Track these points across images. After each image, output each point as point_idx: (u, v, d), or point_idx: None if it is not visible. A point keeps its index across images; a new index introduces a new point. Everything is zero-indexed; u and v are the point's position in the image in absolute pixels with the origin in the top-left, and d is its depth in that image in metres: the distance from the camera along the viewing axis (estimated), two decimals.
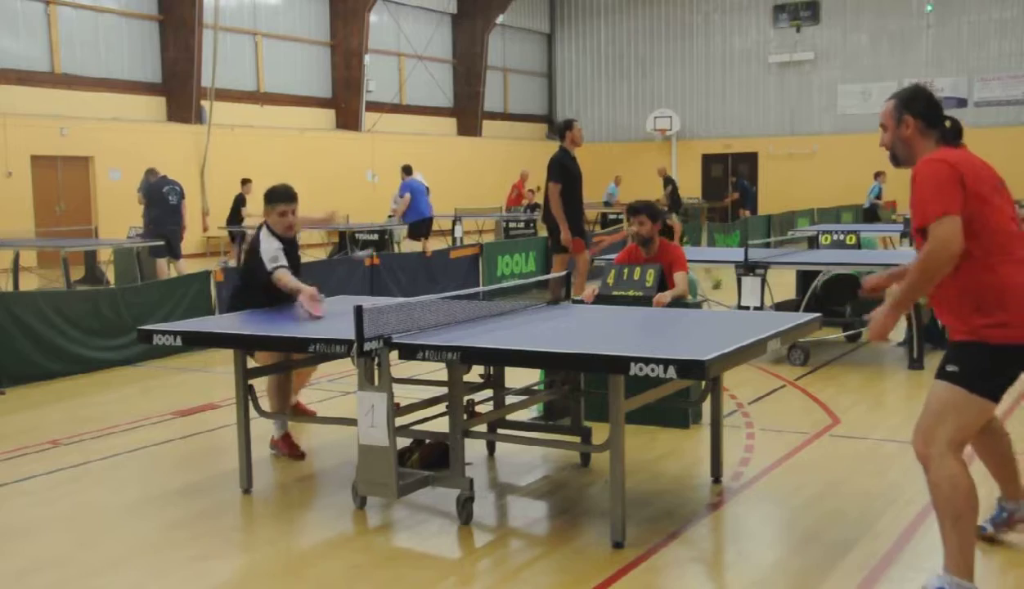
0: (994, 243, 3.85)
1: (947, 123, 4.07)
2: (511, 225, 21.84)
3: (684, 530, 4.83)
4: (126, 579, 4.48)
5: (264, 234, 6.28)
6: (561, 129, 10.54)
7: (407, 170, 19.03)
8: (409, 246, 18.60)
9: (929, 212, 3.78)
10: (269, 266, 6.13)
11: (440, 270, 13.61)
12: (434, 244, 17.79)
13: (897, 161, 4.14)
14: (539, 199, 23.98)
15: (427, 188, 18.93)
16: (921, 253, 3.82)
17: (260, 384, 5.76)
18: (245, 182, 19.15)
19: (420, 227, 18.36)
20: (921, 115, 4.03)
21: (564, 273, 6.71)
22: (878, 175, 21.65)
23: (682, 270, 7.35)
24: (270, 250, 6.19)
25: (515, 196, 25.83)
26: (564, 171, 10.21)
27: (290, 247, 6.35)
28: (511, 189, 26.23)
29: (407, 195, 18.29)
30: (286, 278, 6.14)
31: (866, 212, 21.73)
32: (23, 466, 6.22)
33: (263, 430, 6.28)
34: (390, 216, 21.40)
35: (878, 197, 21.65)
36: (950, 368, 3.88)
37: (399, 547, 4.79)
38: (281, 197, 6.34)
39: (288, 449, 6.19)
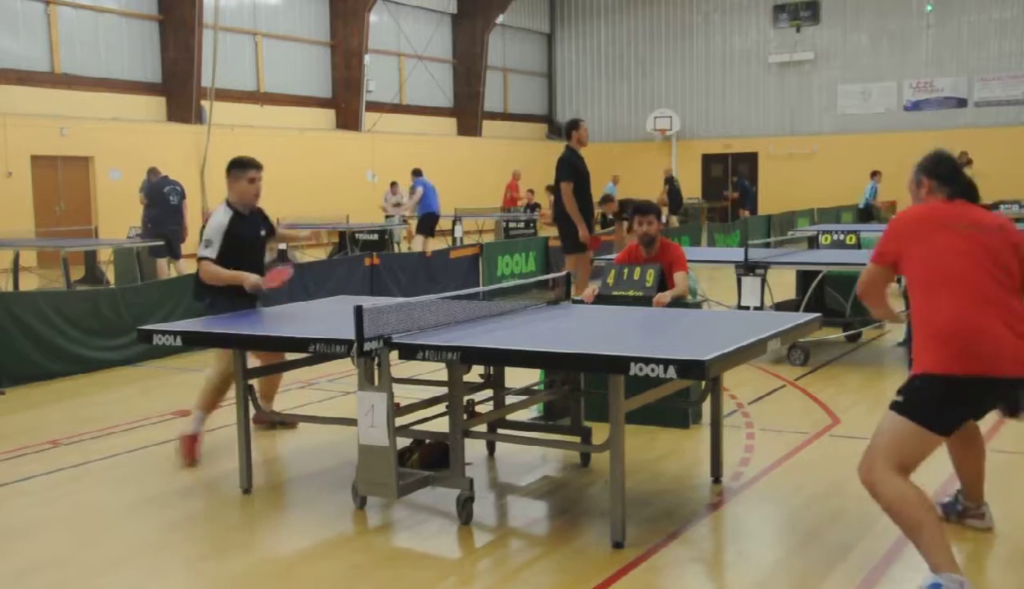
0: (947, 284, 4.01)
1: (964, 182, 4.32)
2: (511, 225, 21.83)
3: (684, 530, 4.83)
4: (126, 579, 4.48)
5: (221, 209, 6.37)
6: (568, 128, 10.63)
7: (417, 172, 19.53)
8: (418, 242, 18.77)
9: (875, 249, 4.28)
10: (200, 251, 6.23)
11: (440, 270, 13.61)
12: (434, 244, 17.79)
13: None
14: (539, 199, 24.01)
15: (434, 188, 19.19)
16: None
17: (258, 384, 5.76)
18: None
19: (428, 222, 18.58)
20: (936, 176, 4.32)
21: (564, 273, 6.70)
22: (874, 174, 21.61)
23: (682, 270, 7.35)
24: (211, 230, 6.26)
25: (509, 197, 25.75)
26: (575, 170, 10.31)
27: (252, 220, 6.45)
28: (505, 190, 26.18)
29: (419, 188, 18.78)
30: (211, 270, 6.19)
31: (861, 212, 21.70)
32: (23, 466, 6.22)
33: (263, 430, 6.27)
34: (388, 216, 21.39)
35: (874, 197, 21.60)
36: (897, 397, 4.06)
37: (399, 547, 4.79)
38: (252, 163, 6.45)
39: (186, 450, 6.06)
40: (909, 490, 3.93)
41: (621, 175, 29.57)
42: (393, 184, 22.44)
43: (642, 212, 7.49)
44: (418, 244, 18.64)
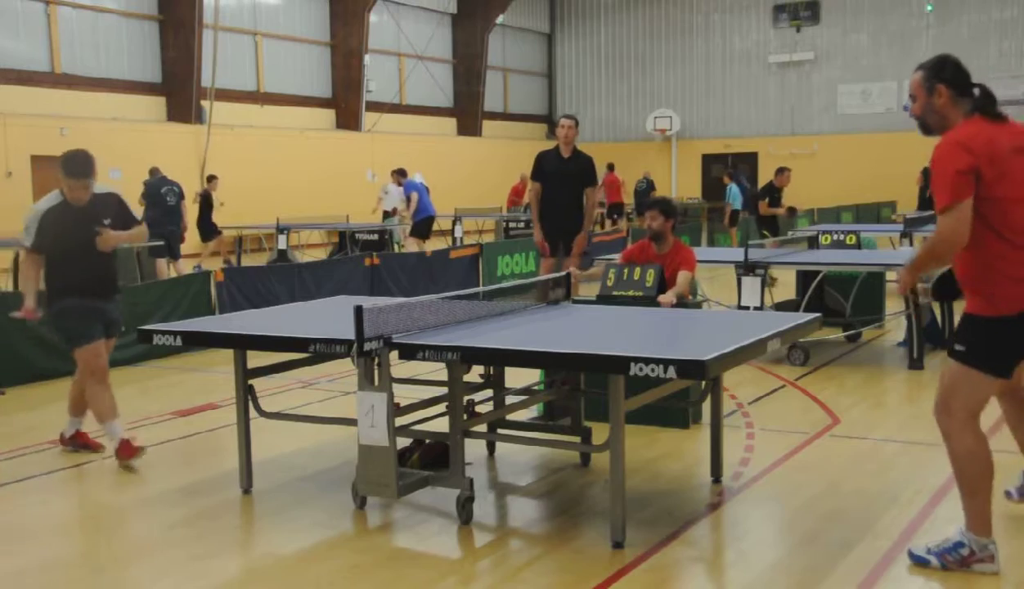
0: (1008, 223, 3.95)
1: (976, 91, 4.07)
2: (511, 225, 21.81)
3: (684, 530, 4.83)
4: (126, 579, 4.48)
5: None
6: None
7: (402, 173, 18.98)
8: (413, 246, 18.50)
9: (940, 199, 3.91)
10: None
11: (440, 270, 13.61)
12: (434, 244, 17.77)
13: (928, 130, 4.17)
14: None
15: (427, 188, 18.92)
16: (930, 236, 4.06)
17: (260, 384, 5.75)
18: (211, 179, 19.06)
19: (424, 226, 18.37)
20: (951, 83, 4.05)
21: (564, 273, 6.70)
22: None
23: (688, 271, 7.35)
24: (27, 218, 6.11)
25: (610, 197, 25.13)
26: (538, 170, 9.61)
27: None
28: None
29: (414, 193, 18.26)
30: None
31: (734, 213, 20.35)
32: (23, 466, 6.22)
33: (263, 430, 6.26)
34: (389, 213, 21.10)
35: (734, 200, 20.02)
36: (958, 347, 4.10)
37: (399, 547, 4.79)
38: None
39: (83, 441, 6.42)
40: (981, 451, 4.10)
41: (621, 175, 29.55)
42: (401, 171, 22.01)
43: (647, 207, 7.62)
44: (412, 247, 18.36)
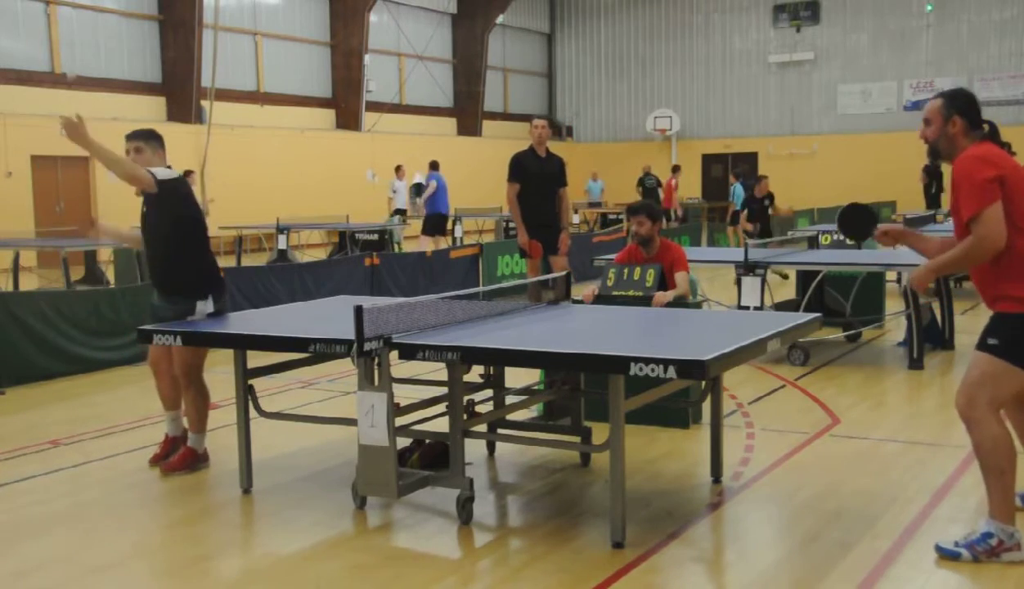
0: None
1: (986, 127, 4.39)
2: (511, 225, 21.79)
3: (684, 530, 4.83)
4: (126, 579, 4.48)
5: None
6: None
7: (434, 166, 19.40)
8: (413, 244, 18.57)
9: (967, 209, 4.14)
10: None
11: (440, 270, 13.61)
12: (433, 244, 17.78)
13: (938, 155, 4.44)
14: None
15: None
16: (967, 241, 4.19)
17: (260, 384, 5.75)
18: (188, 173, 19.01)
19: (437, 222, 18.48)
20: (965, 114, 4.34)
21: (564, 273, 6.70)
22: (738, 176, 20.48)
23: (683, 270, 7.36)
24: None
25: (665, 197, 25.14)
26: (519, 171, 9.42)
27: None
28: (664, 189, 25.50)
29: (433, 182, 18.60)
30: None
31: (736, 213, 20.12)
32: (23, 466, 6.22)
33: (263, 430, 6.26)
34: (401, 211, 21.12)
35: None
36: (991, 341, 4.22)
37: (399, 547, 4.79)
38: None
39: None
40: (1004, 437, 4.22)
41: (621, 175, 29.57)
42: (398, 168, 22.18)
43: (633, 212, 7.55)
44: (425, 245, 18.30)
